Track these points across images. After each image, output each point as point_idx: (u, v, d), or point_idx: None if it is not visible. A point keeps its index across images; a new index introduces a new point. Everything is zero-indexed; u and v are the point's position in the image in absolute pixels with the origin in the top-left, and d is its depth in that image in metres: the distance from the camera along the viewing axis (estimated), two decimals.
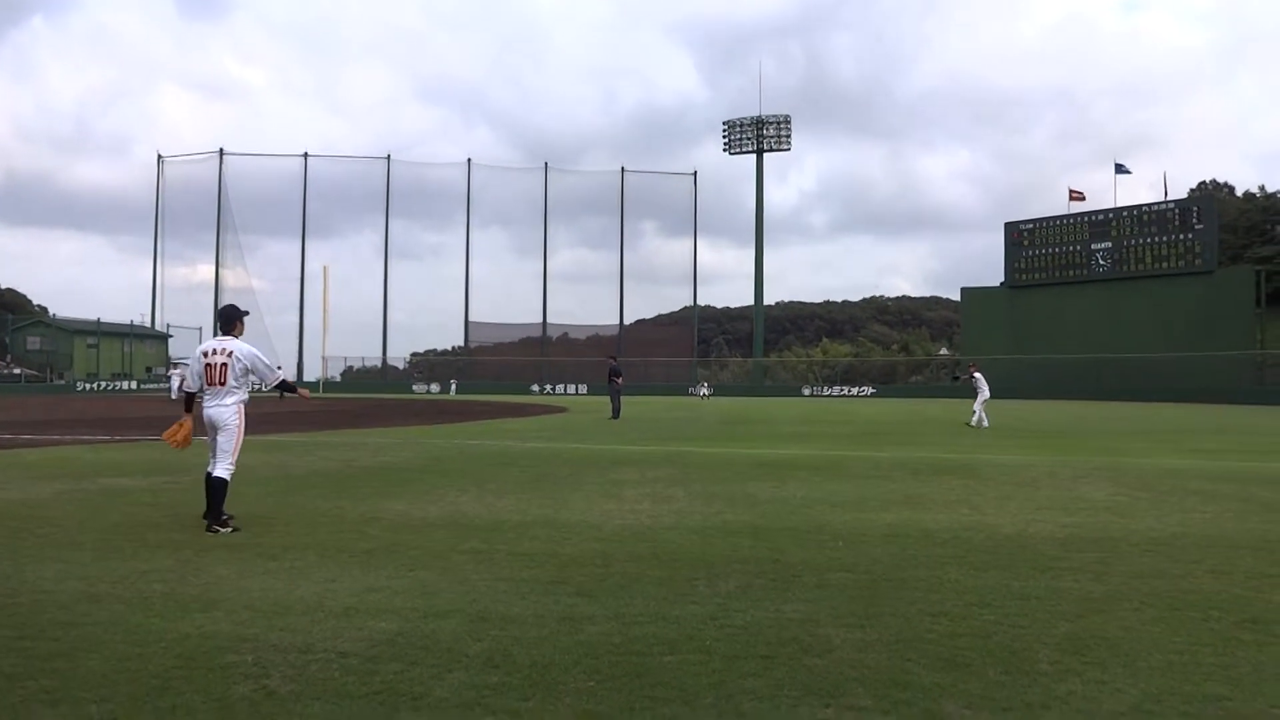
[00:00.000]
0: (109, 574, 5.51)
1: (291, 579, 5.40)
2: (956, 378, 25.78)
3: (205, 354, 7.29)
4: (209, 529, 6.96)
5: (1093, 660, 3.93)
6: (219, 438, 7.21)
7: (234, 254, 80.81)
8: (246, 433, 7.48)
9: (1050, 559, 6.16)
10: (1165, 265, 64.89)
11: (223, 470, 7.15)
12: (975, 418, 23.73)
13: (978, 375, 24.91)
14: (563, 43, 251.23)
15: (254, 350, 7.37)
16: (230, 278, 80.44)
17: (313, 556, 6.08)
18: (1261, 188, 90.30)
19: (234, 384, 7.22)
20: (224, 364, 7.22)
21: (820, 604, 4.89)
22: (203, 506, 7.19)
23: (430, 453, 14.61)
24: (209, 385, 7.25)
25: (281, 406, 37.27)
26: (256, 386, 7.61)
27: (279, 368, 7.52)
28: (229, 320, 7.48)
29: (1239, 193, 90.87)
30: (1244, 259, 73.85)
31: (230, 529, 6.97)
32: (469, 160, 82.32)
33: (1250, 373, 60.18)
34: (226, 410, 7.20)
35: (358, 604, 4.81)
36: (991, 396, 24.81)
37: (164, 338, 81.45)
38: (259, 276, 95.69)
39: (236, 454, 7.26)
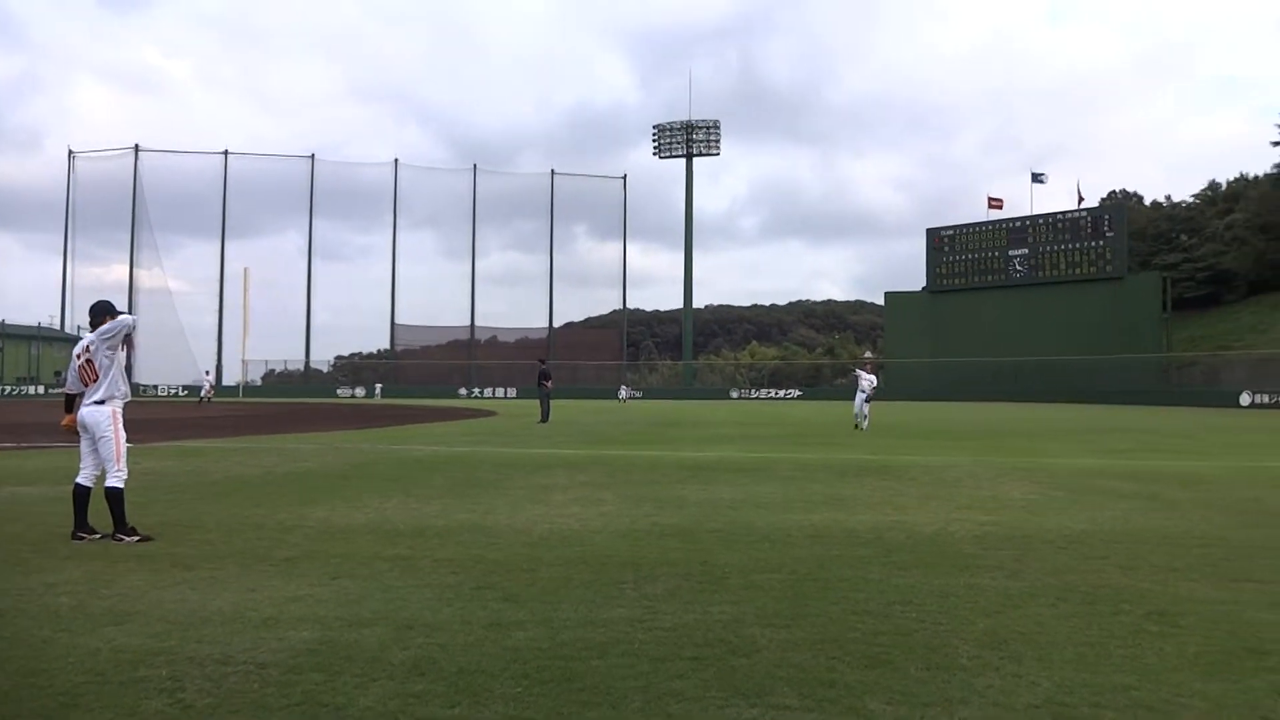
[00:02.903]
0: (13, 587, 5.28)
1: (209, 589, 5.25)
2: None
3: (77, 354, 7.05)
4: (113, 538, 6.72)
5: (1009, 654, 4.05)
6: (98, 446, 6.95)
7: (150, 254, 78.58)
8: (127, 439, 7.16)
9: (969, 557, 6.32)
10: (1078, 271, 67.31)
11: (114, 481, 6.87)
12: (862, 419, 23.89)
13: (860, 373, 25.04)
14: (497, 40, 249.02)
15: (96, 335, 6.98)
16: (145, 278, 78.19)
17: (231, 566, 5.92)
18: (1168, 197, 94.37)
19: (103, 375, 6.93)
20: (88, 359, 6.98)
21: (747, 605, 4.93)
22: (108, 516, 6.90)
23: (354, 458, 14.34)
24: (86, 385, 7.00)
25: (197, 412, 36.22)
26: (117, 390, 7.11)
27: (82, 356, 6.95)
28: (97, 315, 7.17)
29: (1147, 202, 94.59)
30: (1152, 265, 77.03)
31: (137, 538, 6.74)
32: (396, 161, 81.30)
33: (1158, 375, 62.74)
34: (99, 412, 6.88)
35: (278, 614, 4.69)
36: (872, 399, 24.73)
37: (74, 340, 78.43)
38: (177, 277, 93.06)
39: (123, 460, 6.94)
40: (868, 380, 24.45)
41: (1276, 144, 76.21)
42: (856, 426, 23.63)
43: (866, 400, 24.26)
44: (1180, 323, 73.11)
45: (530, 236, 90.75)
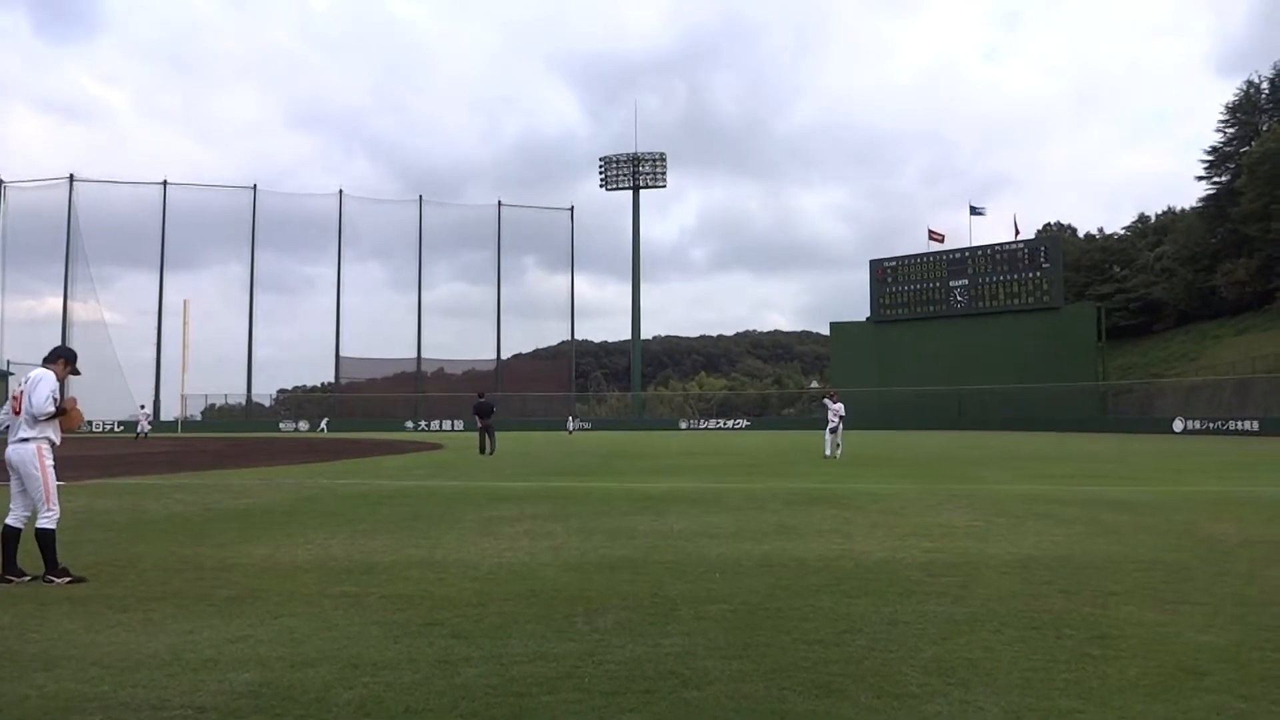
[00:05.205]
0: None
1: (145, 631, 5.09)
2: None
3: (19, 384, 6.85)
4: (44, 579, 6.49)
5: (957, 680, 4.09)
6: (26, 485, 6.71)
7: (85, 286, 76.45)
8: (58, 478, 6.92)
9: (916, 584, 6.39)
10: (1016, 302, 68.93)
11: (45, 521, 6.62)
12: (835, 449, 23.78)
13: (826, 402, 24.97)
14: (445, 70, 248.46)
15: (44, 377, 6.77)
16: (81, 311, 75.97)
17: (168, 607, 5.75)
18: (1100, 229, 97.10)
19: (29, 413, 6.72)
20: (23, 391, 6.77)
21: (698, 636, 4.92)
22: (39, 557, 6.66)
23: (297, 493, 14.06)
24: (13, 415, 6.79)
25: (134, 448, 35.27)
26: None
27: (51, 399, 6.68)
28: (52, 358, 6.98)
29: (1080, 234, 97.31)
30: (1086, 296, 79.09)
31: (69, 579, 6.51)
32: (340, 191, 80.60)
33: (1094, 402, 64.29)
34: (25, 450, 6.66)
35: (217, 655, 4.56)
36: (844, 428, 24.73)
37: (3, 375, 76.15)
38: (114, 310, 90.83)
39: (54, 499, 6.70)
40: (834, 410, 24.48)
41: (1201, 179, 79.19)
42: (831, 455, 23.50)
43: (833, 430, 24.29)
44: (1114, 351, 75.10)
45: (478, 268, 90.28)
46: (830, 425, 24.15)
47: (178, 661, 4.45)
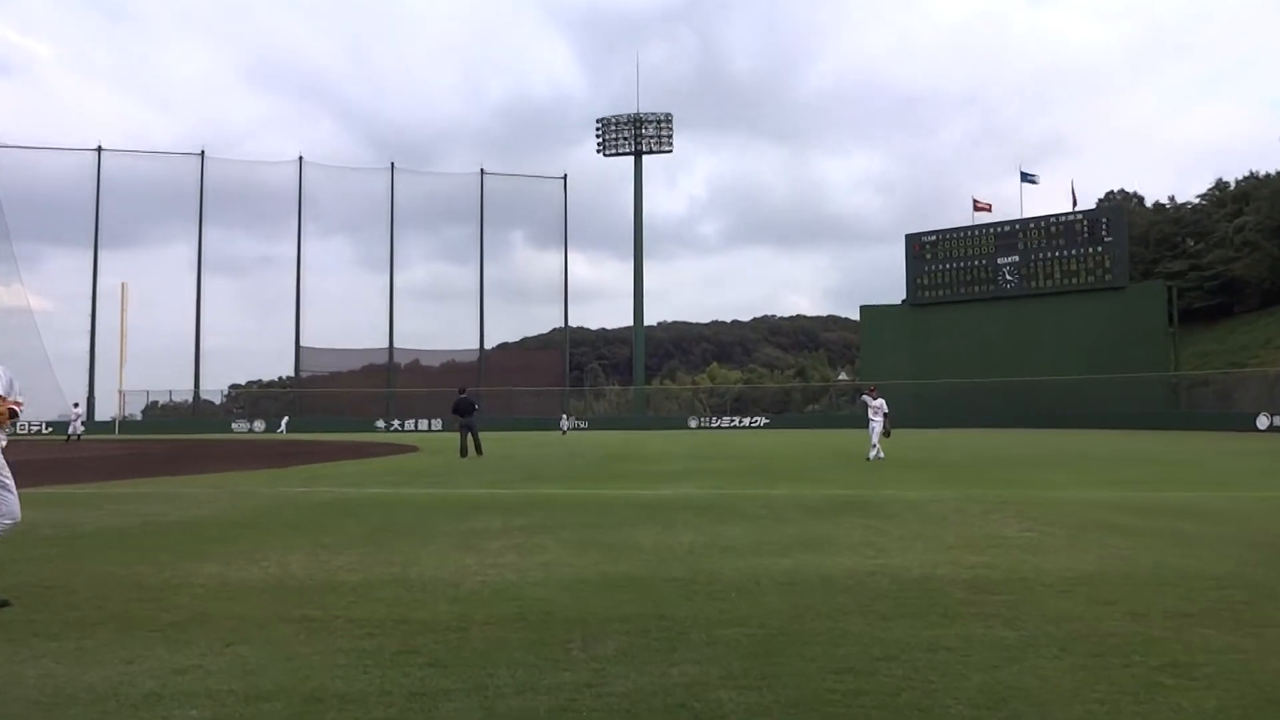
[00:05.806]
0: None
1: (78, 662, 5.10)
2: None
3: None
4: None
5: (1008, 714, 4.08)
6: None
7: (7, 267, 76.72)
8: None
9: (960, 604, 6.38)
10: (1075, 281, 68.69)
11: None
12: (872, 449, 23.98)
13: (865, 399, 25.16)
14: (422, 22, 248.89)
15: None
16: (3, 295, 76.31)
17: (105, 633, 5.76)
18: (1171, 198, 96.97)
19: None
20: None
21: (711, 664, 4.92)
22: None
23: (252, 503, 14.10)
24: None
25: (65, 451, 35.40)
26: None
27: None
28: None
29: (1148, 203, 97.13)
30: (1155, 274, 78.99)
31: None
32: (300, 158, 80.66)
33: (1164, 395, 64.17)
34: None
35: (161, 689, 4.57)
36: (888, 426, 25.01)
37: None
38: (41, 294, 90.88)
39: None
40: (874, 406, 24.50)
41: None
42: (874, 457, 23.56)
43: (885, 431, 24.43)
44: (1188, 337, 75.07)
45: (458, 245, 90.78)
46: (873, 424, 24.30)
47: (115, 696, 4.46)
